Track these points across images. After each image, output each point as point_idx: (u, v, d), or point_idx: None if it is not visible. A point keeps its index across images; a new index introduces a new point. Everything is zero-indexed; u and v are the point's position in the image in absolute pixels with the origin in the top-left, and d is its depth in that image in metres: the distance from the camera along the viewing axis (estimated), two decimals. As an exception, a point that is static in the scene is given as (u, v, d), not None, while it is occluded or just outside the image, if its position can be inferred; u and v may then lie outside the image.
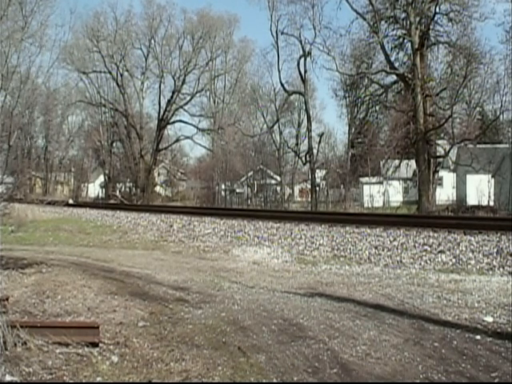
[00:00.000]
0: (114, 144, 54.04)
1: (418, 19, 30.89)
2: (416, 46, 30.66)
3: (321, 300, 6.34)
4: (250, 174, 45.37)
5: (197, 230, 15.63)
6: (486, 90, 33.27)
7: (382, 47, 32.59)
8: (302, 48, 37.81)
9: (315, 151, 40.21)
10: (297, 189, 49.94)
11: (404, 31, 32.50)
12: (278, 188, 44.85)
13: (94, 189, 60.50)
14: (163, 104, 49.99)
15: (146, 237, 15.49)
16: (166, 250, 12.81)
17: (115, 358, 4.29)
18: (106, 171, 54.19)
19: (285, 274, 8.64)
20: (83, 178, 56.44)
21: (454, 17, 31.28)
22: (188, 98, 51.00)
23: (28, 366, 3.98)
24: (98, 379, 3.89)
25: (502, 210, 25.95)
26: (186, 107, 51.44)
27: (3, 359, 4.01)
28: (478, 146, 33.70)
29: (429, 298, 6.35)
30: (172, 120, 51.07)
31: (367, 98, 39.76)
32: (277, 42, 39.31)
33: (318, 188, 39.40)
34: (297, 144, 47.88)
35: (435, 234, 11.49)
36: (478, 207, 27.17)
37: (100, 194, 57.81)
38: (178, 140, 53.32)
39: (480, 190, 29.68)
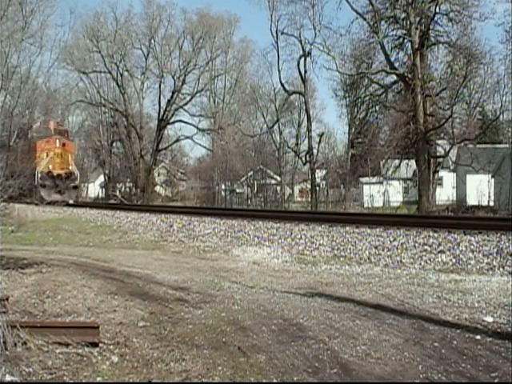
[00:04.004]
0: (114, 144, 54.03)
1: (417, 19, 30.89)
2: (416, 46, 30.66)
3: (321, 300, 6.33)
4: (250, 173, 45.37)
5: (197, 230, 15.62)
6: (486, 90, 33.37)
7: (382, 47, 32.61)
8: (302, 48, 37.87)
9: (315, 151, 40.29)
10: (297, 189, 49.97)
11: (404, 31, 32.50)
12: (278, 188, 44.87)
13: (94, 189, 60.51)
14: (163, 104, 50.02)
15: (145, 237, 15.47)
16: (166, 250, 12.79)
17: (115, 358, 4.29)
18: (106, 171, 54.18)
19: (285, 274, 8.63)
20: (83, 178, 56.42)
21: (454, 17, 31.29)
22: (188, 98, 51.01)
23: (28, 366, 3.98)
24: (98, 379, 3.89)
25: (502, 210, 25.96)
26: (186, 107, 51.47)
27: (3, 359, 4.00)
28: (478, 146, 33.73)
29: (429, 298, 6.35)
30: (172, 120, 51.08)
31: (367, 97, 39.76)
32: (277, 42, 39.40)
33: (318, 188, 39.42)
34: (297, 144, 47.90)
35: (435, 234, 11.47)
36: (478, 207, 27.20)
37: (100, 194, 57.81)
38: (178, 140, 53.32)
39: (480, 190, 29.73)
